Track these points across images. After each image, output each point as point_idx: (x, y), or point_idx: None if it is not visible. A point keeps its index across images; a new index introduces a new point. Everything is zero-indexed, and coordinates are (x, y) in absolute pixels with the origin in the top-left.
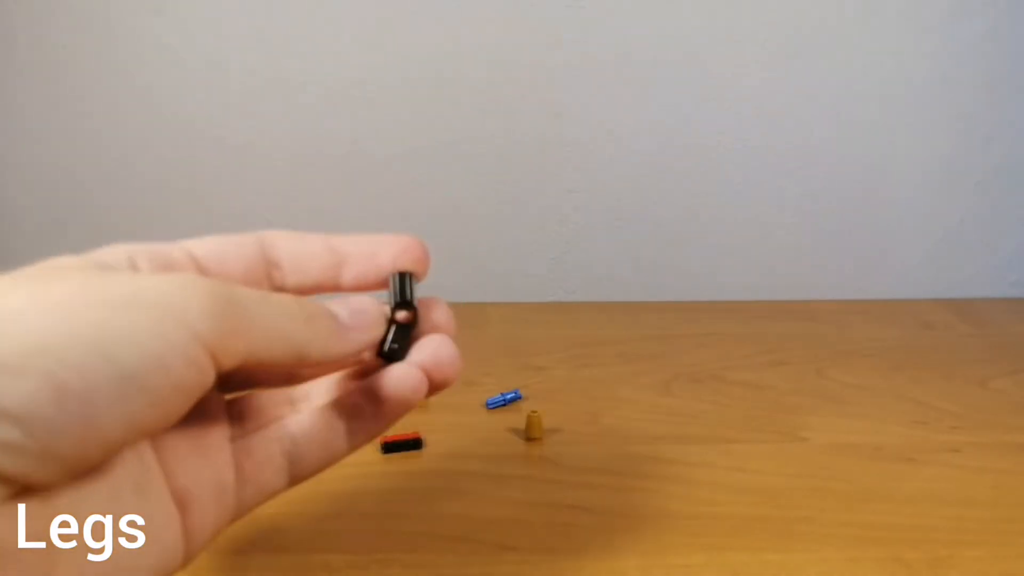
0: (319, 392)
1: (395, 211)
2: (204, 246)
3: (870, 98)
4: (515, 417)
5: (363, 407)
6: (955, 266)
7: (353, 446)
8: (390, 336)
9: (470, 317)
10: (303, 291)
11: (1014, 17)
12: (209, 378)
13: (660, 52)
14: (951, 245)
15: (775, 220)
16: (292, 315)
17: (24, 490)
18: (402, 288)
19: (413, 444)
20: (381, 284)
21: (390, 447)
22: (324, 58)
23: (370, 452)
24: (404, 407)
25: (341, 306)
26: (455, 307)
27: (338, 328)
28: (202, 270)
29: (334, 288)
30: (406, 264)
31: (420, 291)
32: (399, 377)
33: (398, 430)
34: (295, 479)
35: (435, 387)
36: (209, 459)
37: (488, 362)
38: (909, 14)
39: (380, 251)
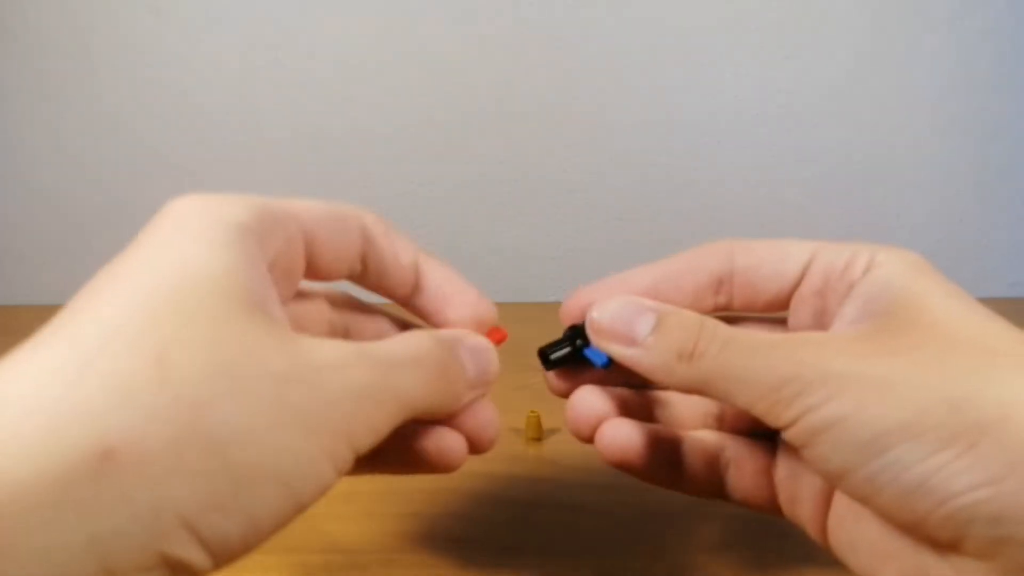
0: None
1: (395, 211)
2: (313, 218)
3: (870, 98)
4: (515, 417)
5: (390, 455)
6: (954, 266)
7: (366, 474)
8: (561, 351)
9: None
10: (375, 292)
11: (1014, 17)
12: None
13: (661, 53)
14: (951, 245)
15: (775, 220)
16: (437, 380)
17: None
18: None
19: None
20: (443, 324)
21: None
22: (324, 59)
23: None
24: (435, 472)
25: (470, 356)
26: None
27: (465, 385)
28: (308, 240)
29: (402, 304)
30: (478, 331)
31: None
32: (448, 448)
33: None
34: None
35: (471, 452)
36: None
37: None
38: (909, 14)
39: (459, 302)
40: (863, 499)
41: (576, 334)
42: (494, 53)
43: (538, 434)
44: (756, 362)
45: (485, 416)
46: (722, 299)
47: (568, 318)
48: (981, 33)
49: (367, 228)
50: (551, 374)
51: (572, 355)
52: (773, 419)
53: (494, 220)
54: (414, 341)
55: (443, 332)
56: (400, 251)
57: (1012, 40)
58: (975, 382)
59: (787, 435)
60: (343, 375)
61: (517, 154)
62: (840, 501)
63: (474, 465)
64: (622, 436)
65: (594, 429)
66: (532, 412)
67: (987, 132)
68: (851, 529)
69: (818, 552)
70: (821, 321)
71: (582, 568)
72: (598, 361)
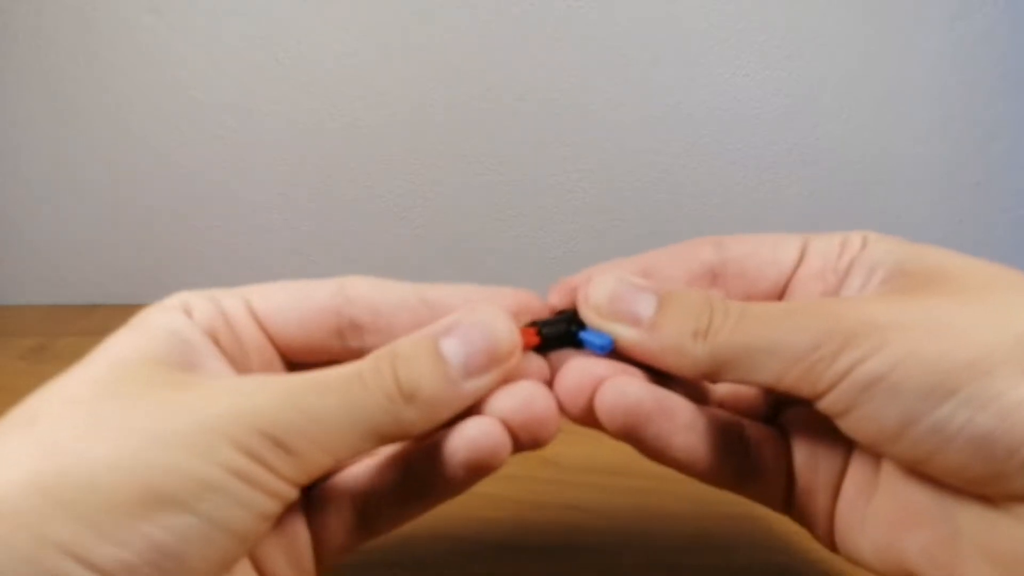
0: None
1: (395, 212)
2: (268, 300)
3: (869, 98)
4: None
5: (428, 465)
6: None
7: (427, 506)
8: (556, 328)
9: None
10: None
11: (1014, 17)
12: (295, 496)
13: (660, 52)
14: (951, 245)
15: (775, 220)
16: (390, 398)
17: None
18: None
19: None
20: None
21: None
22: (323, 58)
23: None
24: (476, 474)
25: (456, 343)
26: None
27: (449, 384)
28: (262, 326)
29: None
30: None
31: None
32: (475, 437)
33: None
34: (372, 535)
35: (521, 447)
36: (284, 532)
37: None
38: (909, 15)
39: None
40: (923, 458)
41: (569, 317)
42: (494, 53)
43: None
44: (783, 327)
45: (533, 406)
46: (716, 293)
47: (553, 306)
48: (981, 33)
49: (346, 292)
50: (541, 359)
51: (567, 336)
52: (809, 386)
53: (493, 220)
54: (354, 363)
55: (416, 335)
56: (396, 296)
57: (1012, 40)
58: None
59: (826, 401)
60: (232, 399)
61: (517, 154)
62: (849, 484)
63: None
64: (632, 393)
65: (591, 397)
66: None
67: (987, 132)
68: (863, 509)
69: (819, 553)
70: None
71: (582, 568)
72: (598, 344)
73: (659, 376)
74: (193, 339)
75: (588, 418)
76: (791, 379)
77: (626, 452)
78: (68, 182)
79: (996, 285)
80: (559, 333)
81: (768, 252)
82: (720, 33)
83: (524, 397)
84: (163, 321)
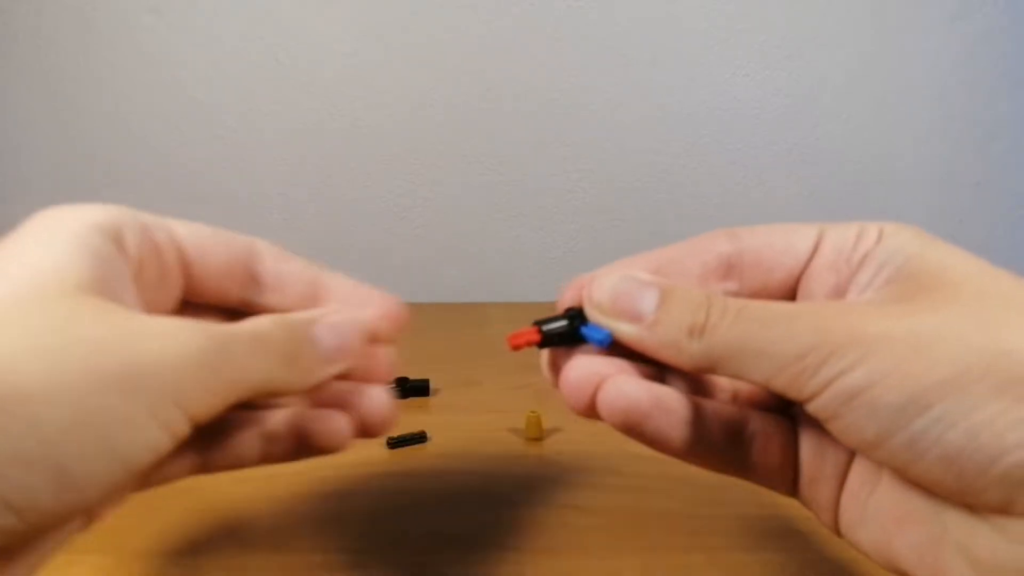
0: None
1: (395, 212)
2: (192, 233)
3: (870, 98)
4: (515, 417)
5: (284, 435)
6: None
7: (263, 462)
8: (557, 324)
9: (470, 317)
10: (277, 311)
11: (1013, 17)
12: (187, 435)
13: (661, 53)
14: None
15: (775, 220)
16: (281, 357)
17: None
18: (579, 314)
19: (419, 438)
20: None
21: (395, 443)
22: (323, 58)
23: (372, 451)
24: (324, 452)
25: (327, 333)
26: (455, 307)
27: (317, 361)
28: (181, 257)
29: None
30: (381, 327)
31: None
32: (332, 428)
33: (403, 428)
34: (201, 472)
35: (362, 436)
36: None
37: (488, 362)
38: (909, 15)
39: (364, 307)
40: (902, 467)
41: (573, 314)
42: (494, 55)
43: (538, 434)
44: (774, 331)
45: (374, 401)
46: (731, 284)
47: (565, 305)
48: (981, 33)
49: (257, 249)
50: (545, 353)
51: (568, 333)
52: (796, 391)
53: (494, 221)
54: (259, 321)
55: (300, 313)
56: (297, 269)
57: (1012, 40)
58: (1016, 334)
59: (813, 407)
60: (164, 342)
61: (517, 154)
62: (853, 476)
63: (475, 465)
64: (630, 392)
65: (593, 395)
66: (532, 412)
67: (987, 132)
68: (864, 502)
69: (821, 552)
70: (835, 297)
71: (582, 568)
72: (597, 339)
73: (664, 366)
74: (117, 270)
75: (592, 414)
76: (780, 382)
77: (624, 452)
78: (68, 182)
79: (988, 296)
80: (558, 331)
81: (784, 240)
82: (720, 33)
83: (375, 399)
84: (90, 243)
